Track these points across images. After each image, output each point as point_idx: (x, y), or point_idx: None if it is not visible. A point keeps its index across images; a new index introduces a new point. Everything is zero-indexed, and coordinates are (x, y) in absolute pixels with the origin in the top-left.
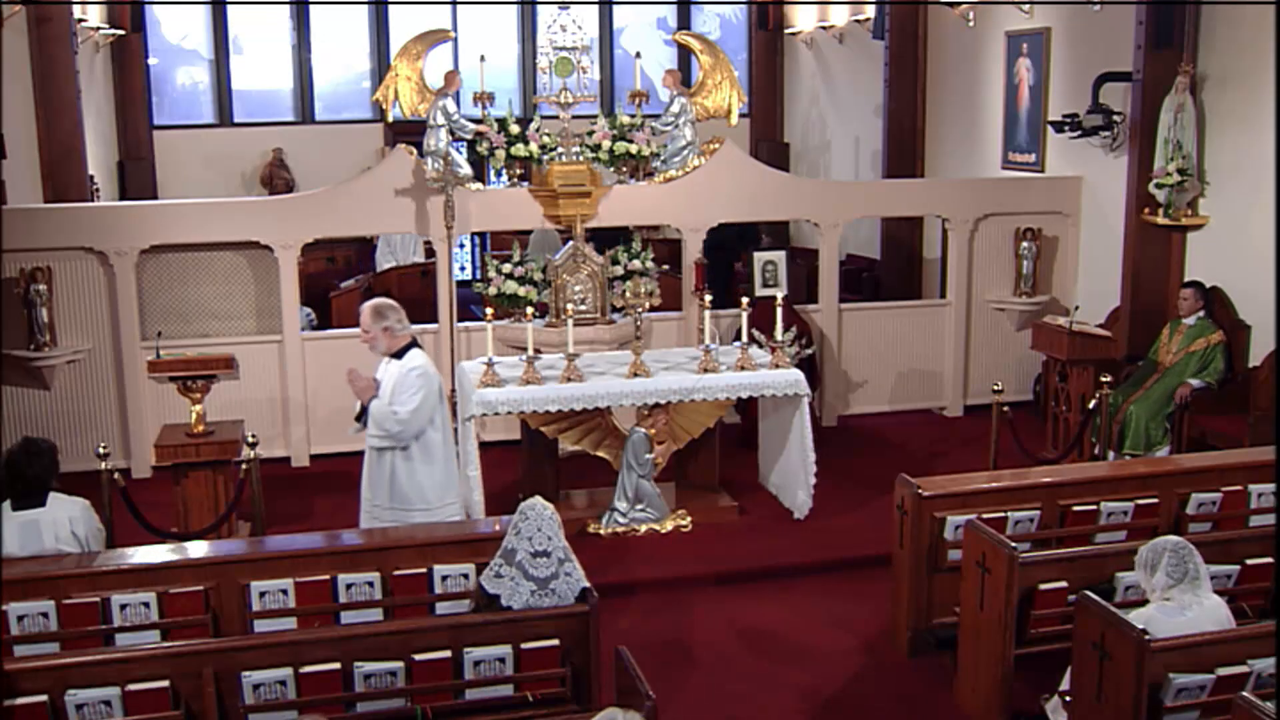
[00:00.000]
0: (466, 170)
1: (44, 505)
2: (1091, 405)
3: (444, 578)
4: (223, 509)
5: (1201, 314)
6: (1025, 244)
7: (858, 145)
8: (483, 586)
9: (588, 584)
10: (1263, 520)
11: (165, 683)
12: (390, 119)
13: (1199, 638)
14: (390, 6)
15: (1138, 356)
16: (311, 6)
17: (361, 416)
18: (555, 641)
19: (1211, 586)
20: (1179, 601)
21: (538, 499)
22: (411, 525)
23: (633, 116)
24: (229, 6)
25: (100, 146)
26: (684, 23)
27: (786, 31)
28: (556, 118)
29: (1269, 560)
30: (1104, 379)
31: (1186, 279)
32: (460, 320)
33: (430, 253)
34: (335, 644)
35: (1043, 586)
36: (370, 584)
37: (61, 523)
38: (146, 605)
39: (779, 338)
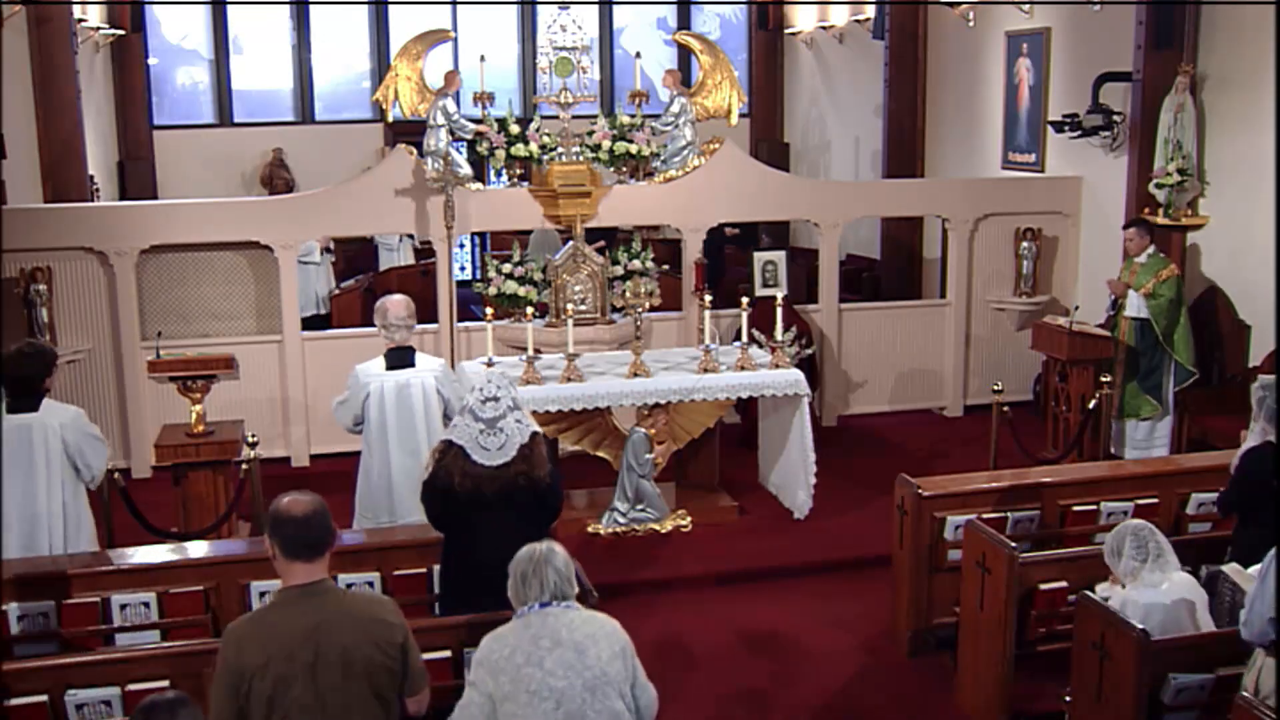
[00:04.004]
0: (466, 170)
1: (36, 410)
2: (1091, 405)
3: None
4: (223, 509)
5: (1152, 250)
6: (1025, 244)
7: (858, 145)
8: (437, 444)
9: (538, 429)
10: None
11: (165, 683)
12: (390, 119)
13: (1198, 638)
14: (390, 6)
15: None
16: (311, 6)
17: None
18: None
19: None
20: (1148, 580)
21: (483, 366)
22: (410, 525)
23: (633, 116)
24: (229, 6)
25: (100, 146)
26: (684, 23)
27: (786, 31)
28: (556, 118)
29: None
30: (1104, 379)
31: (1126, 220)
32: (460, 320)
33: (425, 253)
34: None
35: (1043, 586)
36: (370, 584)
37: (52, 429)
38: (146, 605)
39: (779, 338)
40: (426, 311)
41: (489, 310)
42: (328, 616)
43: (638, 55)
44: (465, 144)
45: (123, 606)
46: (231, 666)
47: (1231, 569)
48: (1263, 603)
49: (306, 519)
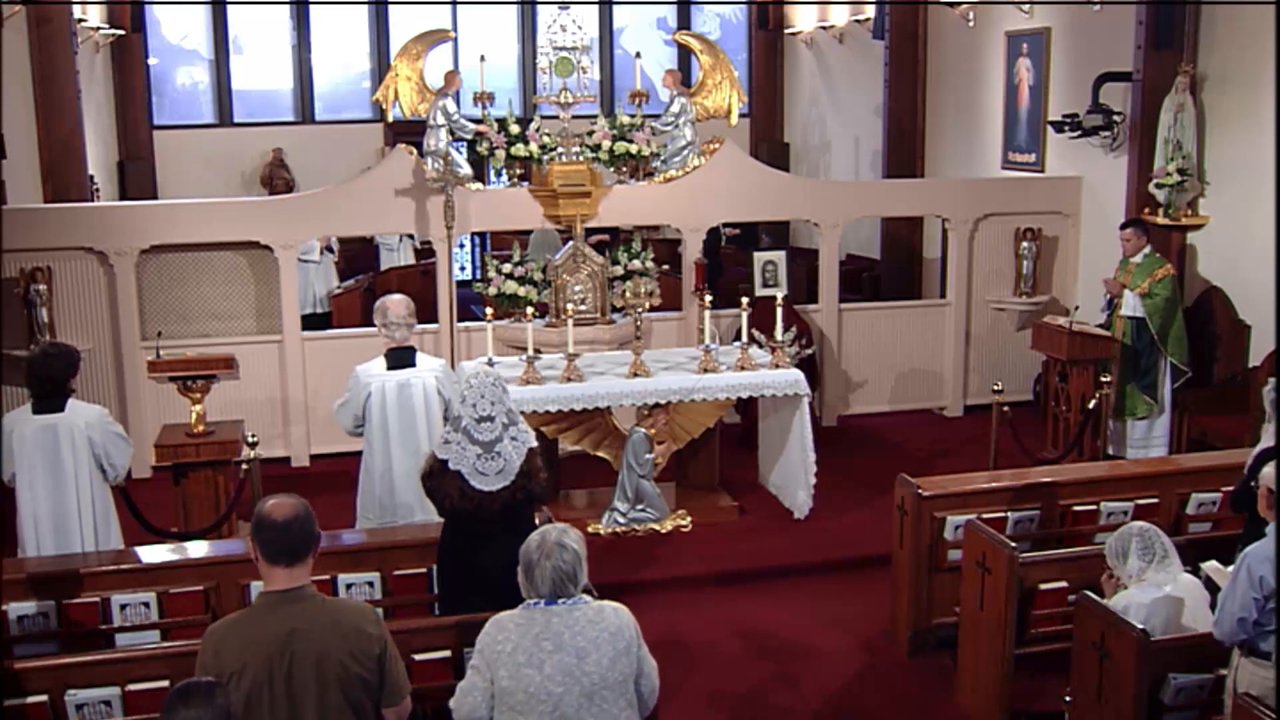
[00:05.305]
0: (466, 170)
1: (62, 410)
2: (1091, 405)
3: None
4: (223, 509)
5: (1148, 250)
6: (1025, 244)
7: (858, 145)
8: (434, 453)
9: (535, 444)
10: None
11: (165, 683)
12: (390, 119)
13: (1198, 637)
14: (390, 6)
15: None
16: (311, 6)
17: None
18: None
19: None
20: (1154, 580)
21: (481, 366)
22: (411, 525)
23: (633, 116)
24: (229, 6)
25: (100, 146)
26: (684, 23)
27: (786, 31)
28: (556, 118)
29: None
30: (1104, 379)
31: (1123, 220)
32: (460, 320)
33: (425, 253)
34: None
35: (1043, 586)
36: (370, 584)
37: (79, 428)
38: (146, 605)
39: (779, 338)
40: (426, 311)
41: (489, 310)
42: (305, 624)
43: (638, 55)
44: (465, 144)
45: (123, 606)
46: (209, 669)
47: (1210, 567)
48: (1233, 602)
49: (286, 524)
